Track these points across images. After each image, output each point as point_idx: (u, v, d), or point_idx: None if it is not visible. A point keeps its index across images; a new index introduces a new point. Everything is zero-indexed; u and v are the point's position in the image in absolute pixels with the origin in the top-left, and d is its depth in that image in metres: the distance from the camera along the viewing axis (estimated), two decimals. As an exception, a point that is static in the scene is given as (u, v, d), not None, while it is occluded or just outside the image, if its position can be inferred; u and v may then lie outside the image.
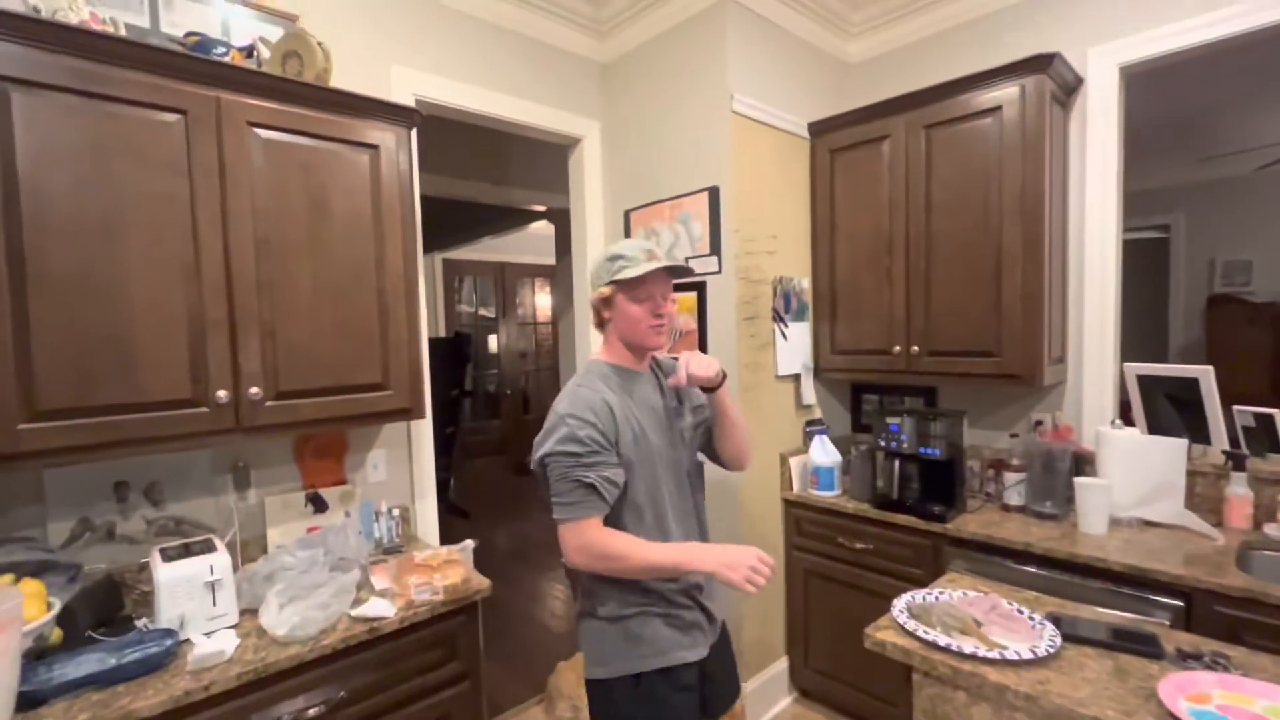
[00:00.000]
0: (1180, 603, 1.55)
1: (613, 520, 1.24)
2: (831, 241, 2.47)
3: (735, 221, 2.24)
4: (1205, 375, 1.92)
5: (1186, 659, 0.97)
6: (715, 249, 2.28)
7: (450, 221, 4.80)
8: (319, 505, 1.88)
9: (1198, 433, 1.98)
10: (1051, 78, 1.95)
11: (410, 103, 2.02)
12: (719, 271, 2.28)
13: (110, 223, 1.30)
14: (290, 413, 1.56)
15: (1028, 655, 0.98)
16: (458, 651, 1.62)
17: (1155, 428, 2.02)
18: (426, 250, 6.42)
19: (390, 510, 1.98)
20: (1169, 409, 2.06)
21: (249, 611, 1.49)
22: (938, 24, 2.42)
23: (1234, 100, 3.57)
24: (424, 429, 2.11)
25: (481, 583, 1.65)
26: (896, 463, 2.14)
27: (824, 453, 2.35)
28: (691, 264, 2.37)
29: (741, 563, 1.12)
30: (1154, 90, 3.01)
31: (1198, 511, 1.87)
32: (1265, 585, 1.48)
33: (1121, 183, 2.10)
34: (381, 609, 1.50)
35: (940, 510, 2.02)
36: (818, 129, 2.48)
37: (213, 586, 1.41)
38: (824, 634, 2.33)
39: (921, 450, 2.08)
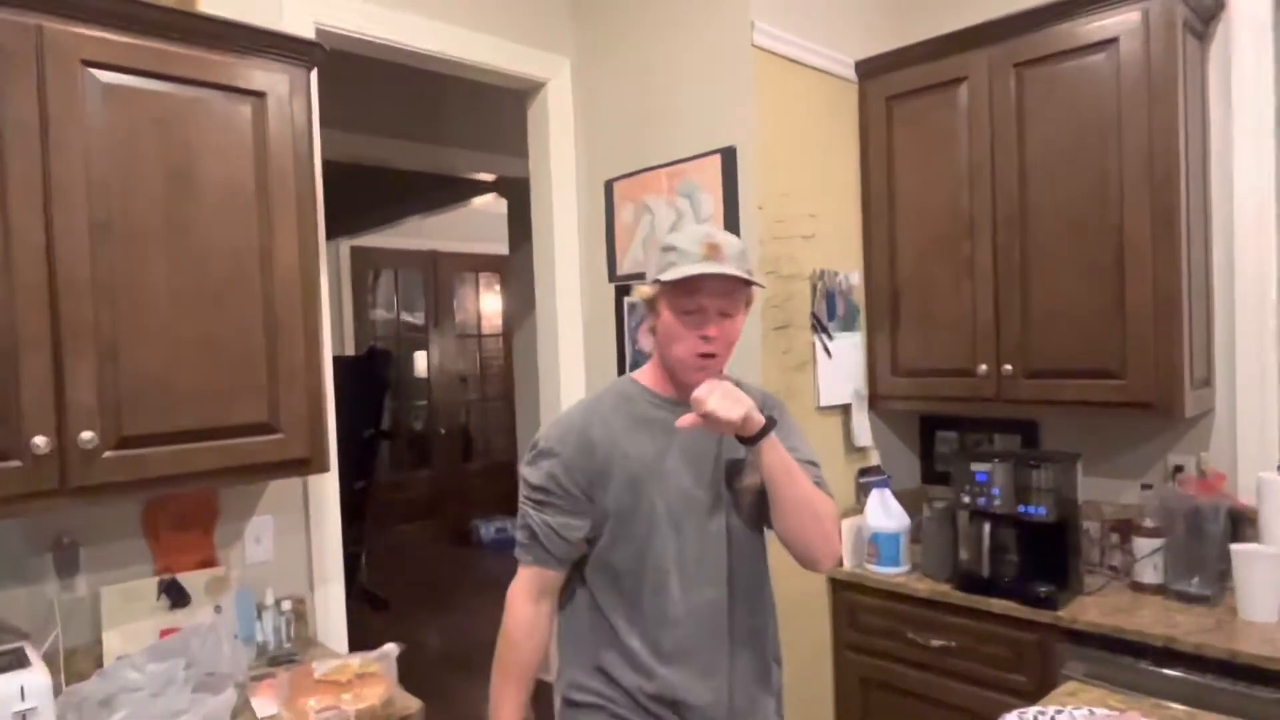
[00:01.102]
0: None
1: (577, 582, 1.38)
2: (891, 222, 2.49)
3: (760, 195, 2.25)
4: (1404, 401, 1.94)
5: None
6: (733, 230, 2.28)
7: (362, 197, 4.80)
8: (178, 597, 1.84)
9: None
10: (1183, 2, 2.00)
11: (309, 34, 2.01)
12: (738, 263, 2.28)
13: (-118, 201, 1.28)
14: (137, 466, 1.53)
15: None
16: (375, 806, 1.57)
17: (1338, 474, 2.03)
18: (329, 235, 6.42)
19: (279, 603, 1.94)
20: (1356, 448, 2.08)
21: (76, 753, 1.44)
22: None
23: None
24: (327, 486, 2.09)
25: (410, 705, 1.62)
26: (986, 526, 2.13)
27: (885, 513, 2.34)
28: (699, 253, 2.37)
29: None
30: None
31: (1402, 590, 1.88)
32: None
33: (1282, 139, 2.14)
34: (268, 747, 1.46)
35: (1048, 592, 2.02)
36: (870, 69, 2.51)
37: (24, 718, 1.36)
38: (890, 768, 2.31)
39: (1021, 509, 2.08)
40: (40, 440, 1.40)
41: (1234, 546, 1.92)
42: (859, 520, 2.42)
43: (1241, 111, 2.15)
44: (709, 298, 1.25)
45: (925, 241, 2.43)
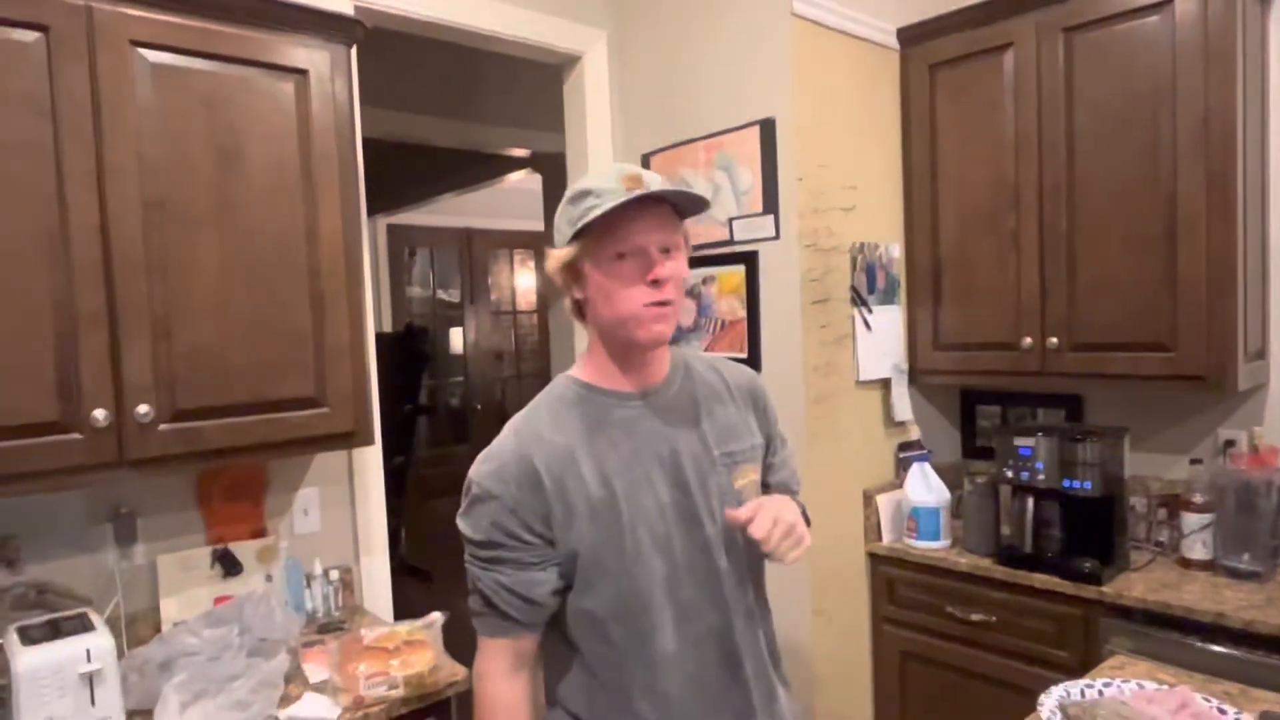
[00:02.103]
0: None
1: (558, 636, 1.13)
2: (933, 193, 2.47)
3: (799, 167, 2.23)
4: None
5: None
6: (771, 206, 2.27)
7: (398, 174, 4.84)
8: (230, 566, 1.89)
9: None
10: (1244, -42, 1.93)
11: (349, 10, 2.03)
12: (776, 237, 2.27)
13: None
14: (192, 439, 1.57)
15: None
16: (423, 768, 1.62)
17: (1399, 449, 1.98)
18: (368, 213, 6.41)
19: (327, 573, 1.99)
20: None
21: (140, 713, 1.49)
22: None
23: None
24: (371, 460, 2.13)
25: (455, 672, 1.65)
26: (1030, 501, 2.13)
27: (926, 488, 2.34)
28: (737, 226, 2.36)
29: None
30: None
31: None
32: None
33: (1345, 104, 2.07)
34: (321, 709, 1.51)
35: (1093, 567, 2.01)
36: (912, 36, 2.47)
37: (91, 679, 1.42)
38: (929, 741, 2.32)
39: (1066, 484, 2.07)
40: (99, 414, 1.44)
41: (1287, 522, 1.89)
42: (899, 495, 2.42)
43: (1304, 74, 2.09)
44: (644, 234, 1.03)
45: (969, 213, 2.39)
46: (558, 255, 1.08)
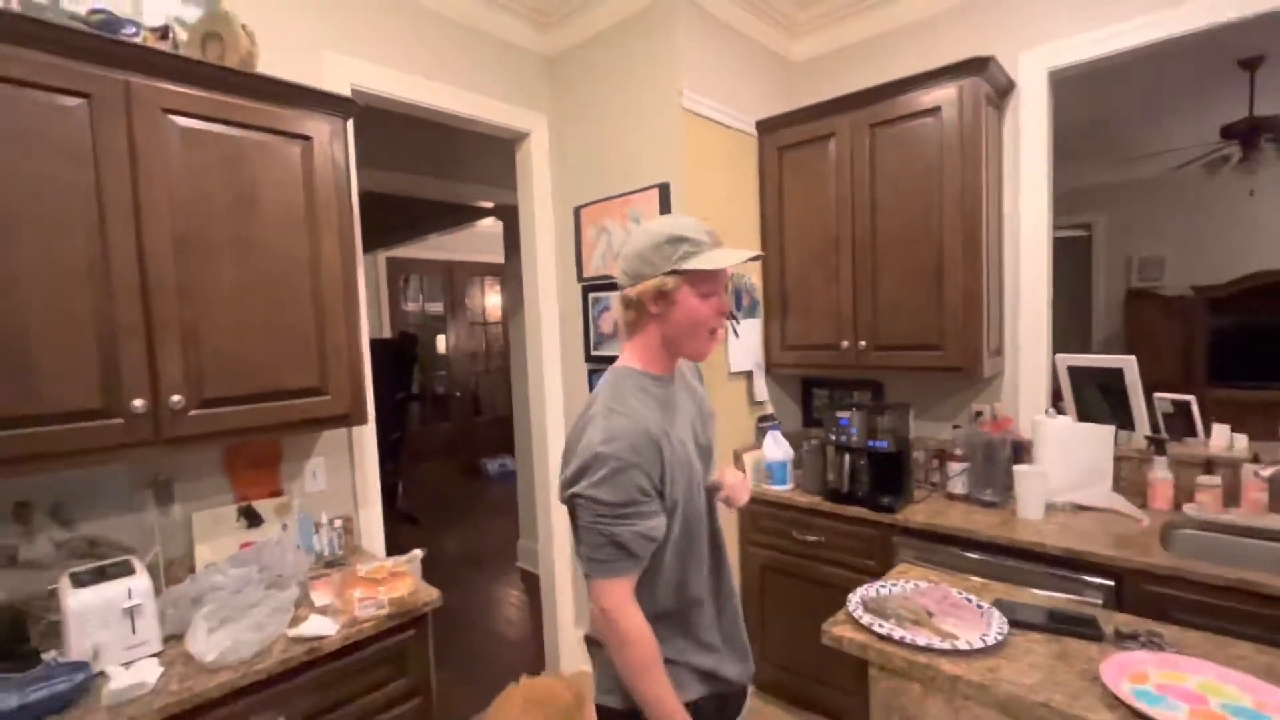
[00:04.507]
0: (1111, 582, 1.62)
1: (654, 562, 1.05)
2: (781, 239, 2.49)
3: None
4: (1129, 365, 2.02)
5: (1124, 639, 1.01)
6: (667, 246, 2.26)
7: (395, 218, 4.63)
8: (253, 519, 1.76)
9: (1123, 419, 2.08)
10: (986, 80, 2.01)
11: (346, 92, 1.92)
12: (671, 269, 2.26)
13: None
14: (217, 422, 1.45)
15: (979, 644, 1.00)
16: (407, 667, 1.54)
17: (1085, 416, 2.11)
18: (370, 248, 6.14)
19: (331, 521, 1.88)
20: (1097, 397, 2.16)
21: (175, 638, 1.38)
22: (881, 24, 2.47)
23: (1148, 106, 3.80)
24: (366, 435, 2.02)
25: (430, 594, 1.58)
26: (846, 456, 2.17)
27: (777, 448, 2.37)
28: (643, 261, 2.34)
29: None
30: (1079, 96, 3.17)
31: (1125, 494, 1.97)
32: (1188, 563, 1.56)
33: (1051, 183, 2.18)
34: (322, 627, 1.42)
35: (889, 501, 2.06)
36: (766, 126, 2.49)
37: (131, 612, 1.30)
38: (780, 628, 2.35)
39: (870, 443, 2.12)
40: (138, 403, 1.33)
41: (1016, 467, 1.98)
42: (758, 454, 2.44)
43: (1025, 161, 2.20)
44: (723, 282, 1.08)
45: (805, 254, 2.43)
46: (658, 283, 1.03)
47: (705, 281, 1.05)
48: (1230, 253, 4.77)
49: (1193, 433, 2.09)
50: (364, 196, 2.17)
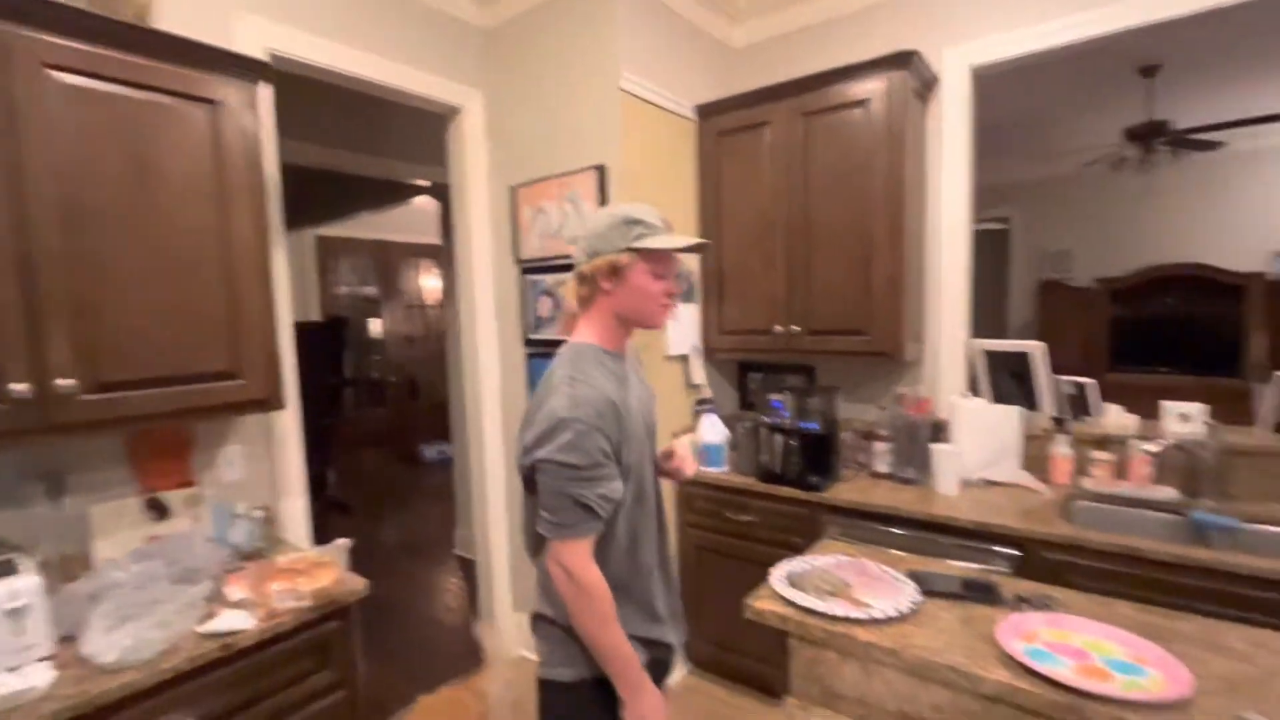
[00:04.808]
0: (1018, 552, 1.74)
1: (609, 526, 1.10)
2: (718, 225, 2.50)
3: (624, 203, 2.20)
4: (1036, 350, 2.16)
5: (1021, 603, 1.09)
6: (604, 229, 2.24)
7: (323, 195, 4.39)
8: (160, 511, 1.65)
9: (1031, 401, 2.23)
10: (912, 74, 2.08)
11: (260, 55, 1.79)
12: (608, 252, 2.24)
13: None
14: (115, 407, 1.35)
15: (892, 613, 1.05)
16: (330, 660, 1.49)
17: (998, 397, 2.24)
18: (297, 225, 5.82)
19: (250, 512, 1.78)
20: (1008, 381, 2.30)
21: (71, 639, 1.28)
22: (820, 13, 2.51)
23: (1062, 106, 4.03)
24: (287, 421, 1.92)
25: (356, 584, 1.52)
26: (778, 437, 2.22)
27: (713, 430, 2.40)
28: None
29: None
30: (1000, 93, 3.32)
31: (1031, 470, 2.11)
32: (1083, 532, 1.69)
33: (972, 174, 2.29)
34: (236, 622, 1.35)
35: (818, 480, 2.13)
36: (705, 111, 2.49)
37: (18, 614, 1.20)
38: (715, 606, 2.40)
39: (801, 424, 2.18)
40: (19, 387, 1.21)
41: (933, 446, 2.09)
42: (695, 436, 2.46)
43: (948, 154, 2.29)
44: (674, 264, 1.15)
45: (742, 240, 2.45)
46: (613, 259, 1.09)
47: (658, 263, 1.11)
48: (1130, 248, 5.15)
49: (1090, 413, 2.26)
50: (287, 170, 2.05)
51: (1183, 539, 1.77)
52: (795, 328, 2.32)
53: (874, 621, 1.04)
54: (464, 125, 2.49)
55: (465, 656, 2.75)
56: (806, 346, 2.32)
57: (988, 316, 5.42)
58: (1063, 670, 0.87)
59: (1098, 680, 0.85)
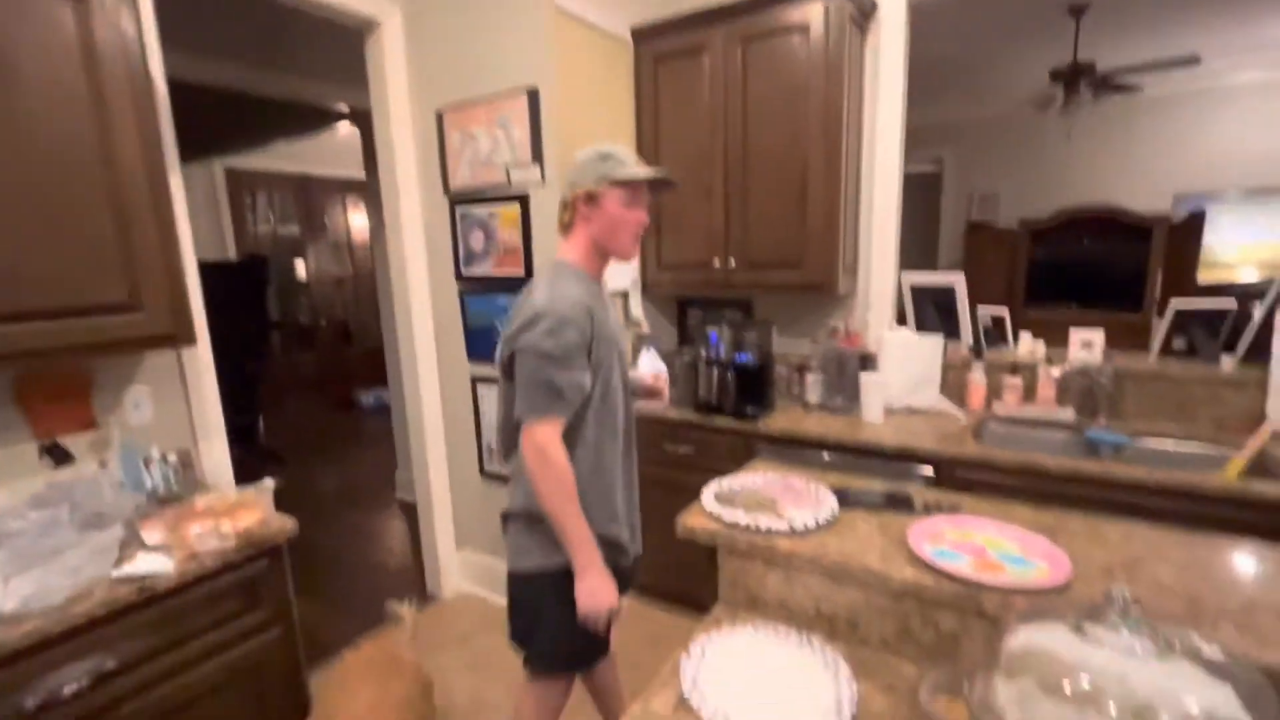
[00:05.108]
0: (933, 471, 1.86)
1: (572, 420, 1.24)
2: (656, 153, 2.44)
3: (557, 129, 2.11)
4: (959, 282, 2.25)
5: (930, 510, 1.16)
6: (537, 156, 2.15)
7: (228, 118, 4.01)
8: (61, 457, 1.54)
9: (952, 332, 2.34)
10: (851, 1, 2.04)
11: (135, -54, 1.57)
12: (542, 182, 2.16)
13: None
14: (-8, 342, 1.22)
15: (812, 524, 1.10)
16: (260, 600, 1.46)
17: (922, 329, 2.34)
18: (203, 154, 5.34)
19: (165, 456, 1.69)
20: (933, 313, 2.40)
21: (-37, 590, 1.19)
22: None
23: (992, 45, 4.08)
24: (200, 360, 1.80)
25: (284, 524, 1.48)
26: (715, 370, 2.26)
27: (652, 366, 2.40)
28: (512, 173, 2.22)
29: (600, 605, 1.22)
30: (935, 28, 3.32)
31: (950, 397, 2.23)
32: (991, 451, 1.82)
33: (905, 109, 2.30)
34: (154, 565, 1.29)
35: (753, 411, 2.20)
36: (641, 35, 2.39)
37: (-104, 566, 1.11)
38: (655, 535, 2.43)
39: (737, 357, 2.22)
40: None
41: (862, 375, 2.18)
42: (634, 371, 2.48)
43: (884, 87, 2.28)
44: (645, 196, 1.29)
45: (680, 170, 2.38)
46: (589, 188, 1.26)
47: (629, 193, 1.26)
48: (1052, 190, 5.38)
49: (1007, 342, 2.39)
50: (181, 88, 1.84)
51: (1078, 454, 1.93)
52: (733, 260, 2.33)
53: (795, 532, 1.09)
54: (383, 41, 2.30)
55: (410, 596, 2.76)
56: (743, 281, 2.34)
57: (919, 258, 5.60)
58: (962, 565, 0.94)
59: (992, 573, 0.93)
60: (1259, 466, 1.62)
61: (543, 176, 2.15)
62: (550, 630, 1.31)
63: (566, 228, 1.32)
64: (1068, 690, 0.67)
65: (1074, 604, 0.76)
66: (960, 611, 0.93)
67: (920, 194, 5.30)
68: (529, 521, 1.30)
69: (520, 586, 1.34)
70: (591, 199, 1.26)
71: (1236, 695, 0.61)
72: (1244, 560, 1.01)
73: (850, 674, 0.92)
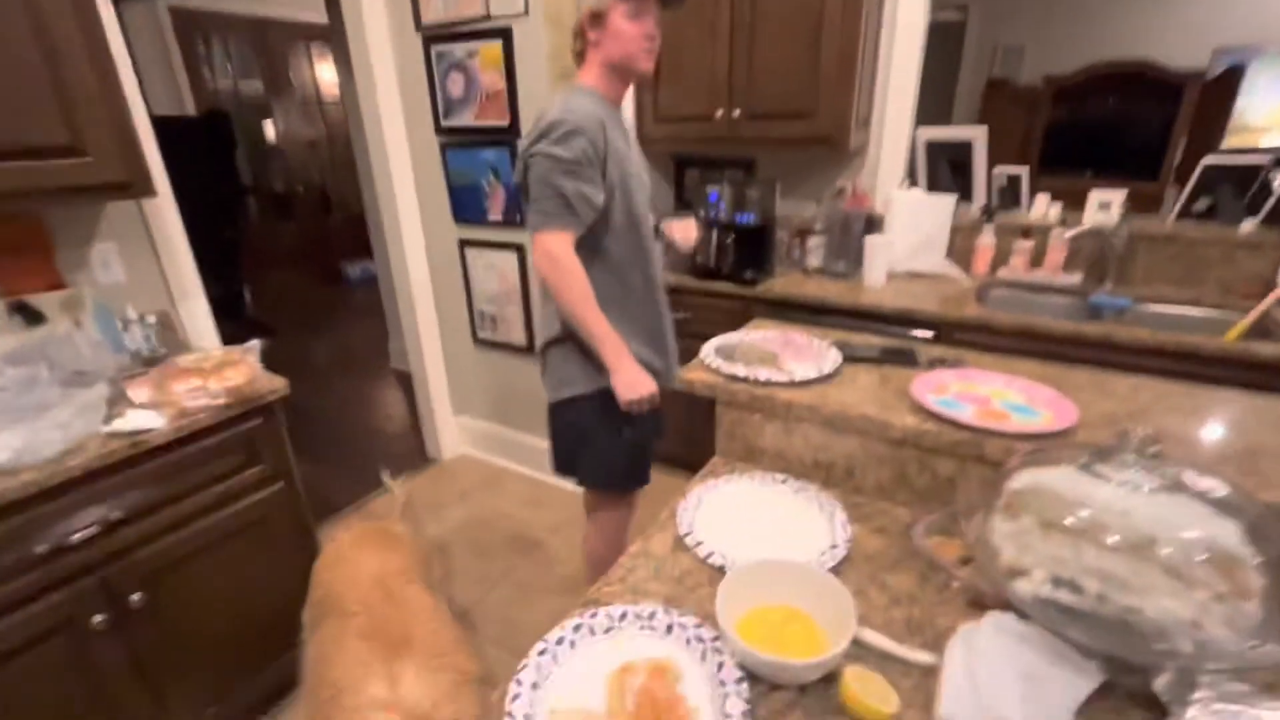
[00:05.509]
0: (932, 334, 1.84)
1: (594, 242, 1.27)
2: (654, -15, 2.16)
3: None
4: (979, 135, 2.09)
5: (934, 364, 1.14)
6: (519, -15, 1.89)
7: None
8: (31, 317, 1.48)
9: (966, 192, 2.22)
10: None
11: None
12: (525, 12, 1.92)
13: None
14: (-78, 185, 1.11)
15: (813, 374, 1.08)
16: (260, 456, 1.47)
17: (934, 188, 2.22)
18: (132, -16, 4.63)
19: (143, 317, 1.63)
20: (947, 172, 2.26)
21: (-49, 445, 1.18)
22: None
23: None
24: (166, 214, 1.69)
25: (274, 382, 1.46)
26: (714, 232, 2.17)
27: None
28: (492, 2, 1.97)
29: (641, 392, 1.27)
30: None
31: (956, 260, 2.16)
32: (993, 313, 1.79)
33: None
34: (145, 421, 1.28)
35: (753, 275, 2.14)
36: None
37: (-124, 420, 1.08)
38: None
39: (738, 218, 2.12)
40: None
41: (866, 238, 2.09)
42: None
43: (919, -103, 1.98)
44: (653, 11, 1.25)
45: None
46: (591, 6, 1.22)
47: (634, 4, 1.20)
48: (1083, 43, 4.93)
49: (1020, 204, 2.28)
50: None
51: (1081, 318, 1.90)
52: (736, 111, 2.14)
53: (795, 383, 1.07)
54: None
55: (410, 458, 2.85)
56: (747, 133, 2.17)
57: (932, 118, 5.26)
58: (964, 413, 0.93)
59: (995, 420, 0.92)
60: (1260, 328, 1.60)
61: (526, 5, 1.90)
62: (599, 453, 1.40)
63: (579, 56, 1.31)
64: (1068, 525, 0.67)
65: (1083, 446, 0.75)
66: (959, 458, 0.93)
67: (941, 46, 4.85)
68: (567, 347, 1.35)
69: (564, 414, 1.41)
70: (597, 18, 1.23)
71: (1241, 529, 0.62)
72: (1249, 410, 1.01)
73: (846, 518, 0.94)
